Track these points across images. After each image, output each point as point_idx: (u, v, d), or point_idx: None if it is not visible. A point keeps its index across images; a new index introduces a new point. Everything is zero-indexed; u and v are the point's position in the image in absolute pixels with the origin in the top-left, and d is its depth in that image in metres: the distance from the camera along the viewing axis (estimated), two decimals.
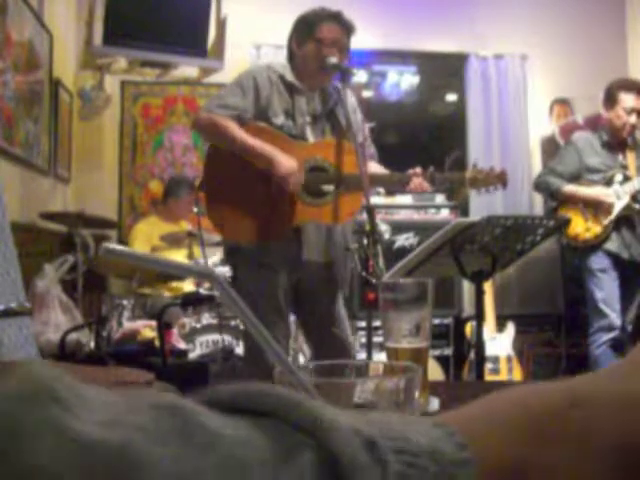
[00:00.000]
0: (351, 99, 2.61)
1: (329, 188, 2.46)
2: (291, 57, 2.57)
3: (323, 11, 2.49)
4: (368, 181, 2.26)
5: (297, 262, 2.47)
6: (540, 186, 3.71)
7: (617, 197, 3.45)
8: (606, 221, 3.46)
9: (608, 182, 3.50)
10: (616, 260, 3.48)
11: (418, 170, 2.48)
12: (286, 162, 2.35)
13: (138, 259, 0.36)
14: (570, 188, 3.54)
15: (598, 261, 3.48)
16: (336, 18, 2.47)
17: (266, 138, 2.41)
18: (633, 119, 3.43)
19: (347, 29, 2.49)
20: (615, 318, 3.41)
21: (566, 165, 3.59)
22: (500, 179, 2.51)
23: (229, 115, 2.39)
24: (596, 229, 3.48)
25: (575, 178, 3.57)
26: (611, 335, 3.41)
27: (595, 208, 3.50)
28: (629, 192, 3.44)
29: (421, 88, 6.29)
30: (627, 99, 3.43)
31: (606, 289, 3.45)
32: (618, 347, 3.41)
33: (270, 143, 2.39)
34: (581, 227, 3.52)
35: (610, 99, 3.49)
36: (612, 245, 3.47)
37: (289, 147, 2.41)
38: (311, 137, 2.51)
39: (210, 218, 2.50)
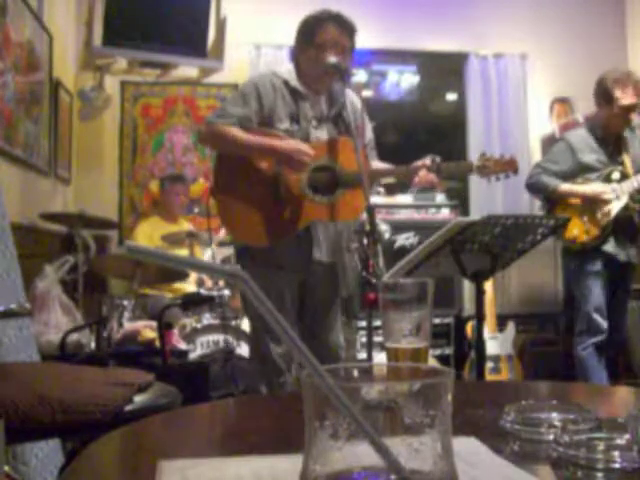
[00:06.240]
0: (356, 100, 2.62)
1: (336, 186, 2.47)
2: (296, 63, 2.58)
3: (323, 14, 2.47)
4: (368, 180, 2.27)
5: (306, 262, 2.50)
6: (534, 187, 3.47)
7: (615, 197, 3.29)
8: (604, 222, 3.30)
9: (605, 180, 3.33)
10: (611, 262, 3.34)
11: (427, 161, 2.44)
12: (290, 142, 2.39)
13: (163, 258, 0.35)
14: (567, 187, 3.37)
15: (593, 263, 3.34)
16: (336, 20, 2.46)
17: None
18: (631, 116, 3.28)
19: (348, 30, 2.48)
20: (602, 322, 3.32)
21: (560, 164, 3.40)
22: (511, 165, 2.46)
23: (229, 123, 2.43)
24: (595, 231, 3.32)
25: (569, 178, 3.39)
26: (598, 338, 3.32)
27: (593, 209, 3.33)
28: (627, 191, 3.28)
29: (421, 87, 6.28)
30: (624, 96, 3.24)
31: (597, 294, 3.33)
32: (602, 350, 3.34)
33: None
34: (579, 229, 3.35)
35: (605, 96, 3.30)
36: (610, 247, 3.32)
37: None
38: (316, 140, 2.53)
39: (222, 222, 2.59)
